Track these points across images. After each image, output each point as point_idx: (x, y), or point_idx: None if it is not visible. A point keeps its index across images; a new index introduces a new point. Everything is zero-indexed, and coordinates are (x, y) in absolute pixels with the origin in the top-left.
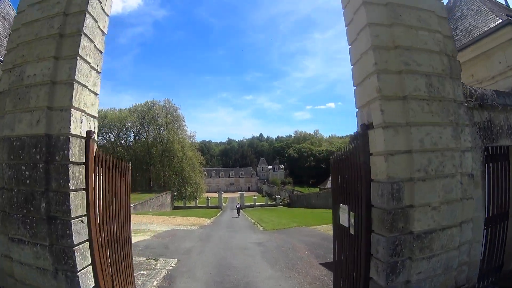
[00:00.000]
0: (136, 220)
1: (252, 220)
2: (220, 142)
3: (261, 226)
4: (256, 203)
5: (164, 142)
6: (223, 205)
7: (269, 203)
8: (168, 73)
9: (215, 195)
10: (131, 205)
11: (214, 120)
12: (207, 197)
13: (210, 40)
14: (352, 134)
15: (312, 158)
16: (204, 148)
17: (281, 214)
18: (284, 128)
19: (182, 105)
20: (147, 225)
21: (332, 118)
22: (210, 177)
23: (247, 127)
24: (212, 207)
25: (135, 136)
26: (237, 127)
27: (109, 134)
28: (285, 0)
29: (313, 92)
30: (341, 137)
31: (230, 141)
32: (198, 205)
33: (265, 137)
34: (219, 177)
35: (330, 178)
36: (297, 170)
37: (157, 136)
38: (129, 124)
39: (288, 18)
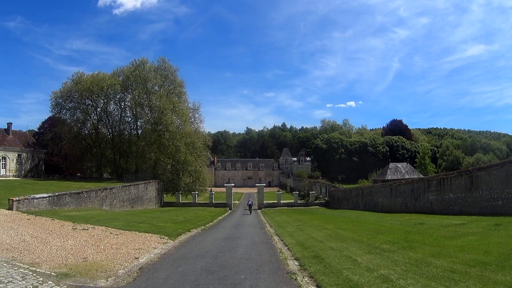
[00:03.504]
0: None
1: (294, 263)
2: (238, 133)
3: None
4: (281, 201)
5: (155, 112)
6: (235, 202)
7: (298, 201)
8: (188, 69)
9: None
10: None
11: (235, 116)
12: (211, 191)
13: (230, 37)
14: (384, 126)
15: (343, 150)
16: (220, 138)
17: (345, 226)
18: (305, 126)
19: (203, 101)
20: None
21: (353, 117)
22: (225, 169)
23: (268, 124)
24: (217, 205)
25: (121, 108)
26: (258, 124)
27: (87, 105)
28: (303, 0)
29: (333, 91)
30: (371, 130)
31: (249, 131)
32: (197, 201)
33: (288, 127)
34: (235, 169)
35: (389, 167)
36: (325, 163)
37: (146, 106)
38: (110, 91)
39: (307, 17)
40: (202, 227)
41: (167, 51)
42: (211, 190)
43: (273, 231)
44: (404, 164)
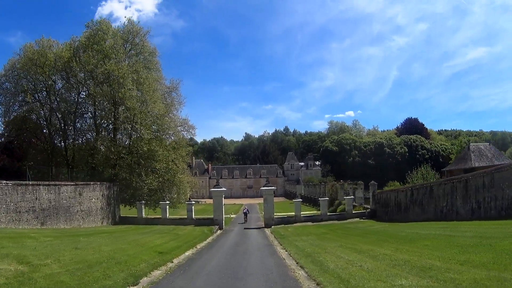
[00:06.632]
0: None
1: None
2: (237, 140)
3: None
4: (301, 214)
5: (115, 86)
6: (230, 216)
7: (328, 213)
8: (186, 83)
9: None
10: None
11: (234, 129)
12: (189, 200)
13: (228, 51)
14: (399, 125)
15: (356, 152)
16: (217, 145)
17: None
18: (309, 131)
19: (200, 116)
20: None
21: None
22: (221, 178)
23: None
24: (199, 223)
25: (72, 85)
26: (257, 133)
27: (34, 84)
28: (300, 12)
29: (332, 101)
30: (383, 131)
31: (248, 136)
32: (169, 217)
33: (291, 130)
34: (233, 178)
35: (471, 149)
36: (336, 167)
37: (104, 81)
38: (58, 63)
39: (304, 28)
40: None
41: (164, 65)
42: (189, 199)
43: None
44: (487, 145)
